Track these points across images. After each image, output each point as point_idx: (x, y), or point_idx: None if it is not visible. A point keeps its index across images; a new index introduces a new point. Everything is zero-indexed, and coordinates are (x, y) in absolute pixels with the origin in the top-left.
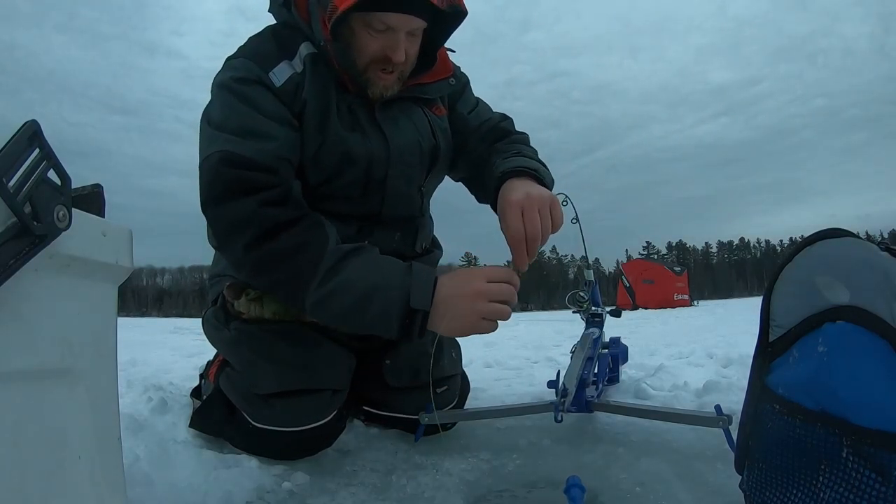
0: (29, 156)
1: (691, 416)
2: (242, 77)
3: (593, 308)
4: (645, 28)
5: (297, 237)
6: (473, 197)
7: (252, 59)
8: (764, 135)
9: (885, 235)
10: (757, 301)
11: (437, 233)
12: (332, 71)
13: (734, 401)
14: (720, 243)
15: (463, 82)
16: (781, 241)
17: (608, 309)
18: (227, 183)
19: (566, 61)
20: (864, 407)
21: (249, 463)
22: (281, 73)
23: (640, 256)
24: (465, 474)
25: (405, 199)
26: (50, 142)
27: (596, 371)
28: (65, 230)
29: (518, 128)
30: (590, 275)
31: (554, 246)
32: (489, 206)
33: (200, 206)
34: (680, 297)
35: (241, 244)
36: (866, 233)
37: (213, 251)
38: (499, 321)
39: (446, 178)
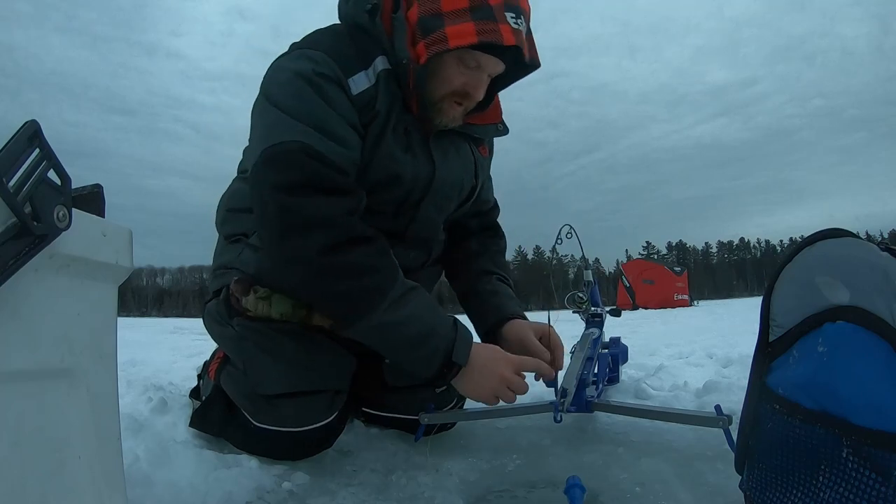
0: (29, 156)
1: (691, 416)
2: (324, 73)
3: (593, 308)
4: (643, 28)
5: (372, 258)
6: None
7: (333, 57)
8: (762, 135)
9: (885, 235)
10: (757, 301)
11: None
12: (400, 89)
13: (734, 401)
14: (720, 243)
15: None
16: (781, 241)
17: (608, 309)
18: (308, 176)
19: (565, 62)
20: (865, 407)
21: (249, 463)
22: (359, 83)
23: (639, 256)
24: (465, 474)
25: (433, 224)
26: (50, 142)
27: (596, 371)
28: (65, 230)
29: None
30: (589, 275)
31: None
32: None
33: (256, 184)
34: (680, 297)
35: (315, 244)
36: (866, 233)
37: (211, 249)
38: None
39: None
